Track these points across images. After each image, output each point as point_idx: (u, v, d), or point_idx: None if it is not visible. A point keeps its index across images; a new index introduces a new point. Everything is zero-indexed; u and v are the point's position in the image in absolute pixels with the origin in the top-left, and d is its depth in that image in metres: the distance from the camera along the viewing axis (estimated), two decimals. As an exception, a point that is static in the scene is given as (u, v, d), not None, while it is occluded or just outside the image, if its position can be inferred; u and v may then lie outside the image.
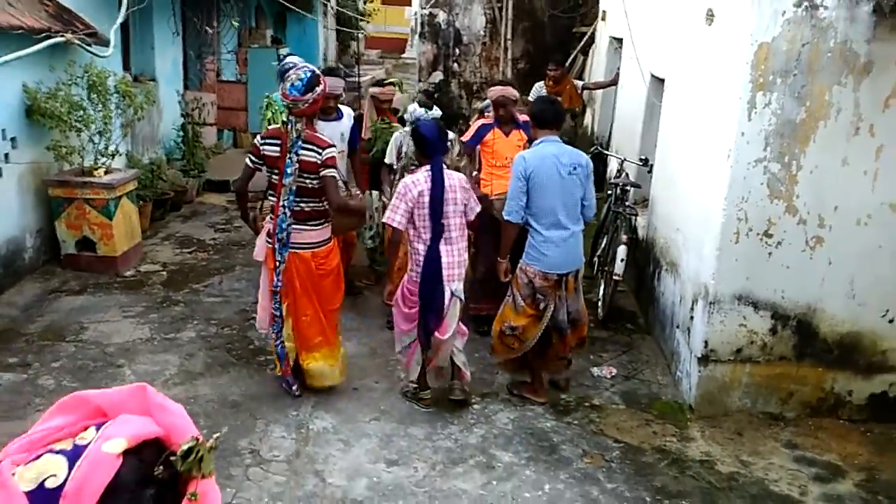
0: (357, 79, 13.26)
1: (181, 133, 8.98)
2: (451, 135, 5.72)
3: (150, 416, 1.12)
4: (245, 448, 4.24)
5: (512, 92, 5.64)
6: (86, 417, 1.10)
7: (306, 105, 4.22)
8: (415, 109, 5.88)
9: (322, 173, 4.30)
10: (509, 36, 13.27)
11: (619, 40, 8.96)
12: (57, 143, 6.31)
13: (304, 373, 4.78)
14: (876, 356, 4.74)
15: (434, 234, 4.39)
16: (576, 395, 5.09)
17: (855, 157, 4.37)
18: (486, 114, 6.10)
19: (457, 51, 13.51)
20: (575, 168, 4.51)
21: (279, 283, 4.48)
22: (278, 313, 4.59)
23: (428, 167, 4.43)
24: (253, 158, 4.46)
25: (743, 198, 4.46)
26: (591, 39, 12.02)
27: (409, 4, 28.64)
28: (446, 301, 4.46)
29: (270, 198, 4.47)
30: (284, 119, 4.30)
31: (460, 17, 13.44)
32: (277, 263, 4.42)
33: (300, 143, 4.25)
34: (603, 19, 10.47)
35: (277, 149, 4.32)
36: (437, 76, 13.43)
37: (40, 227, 6.53)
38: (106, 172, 6.55)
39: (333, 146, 4.46)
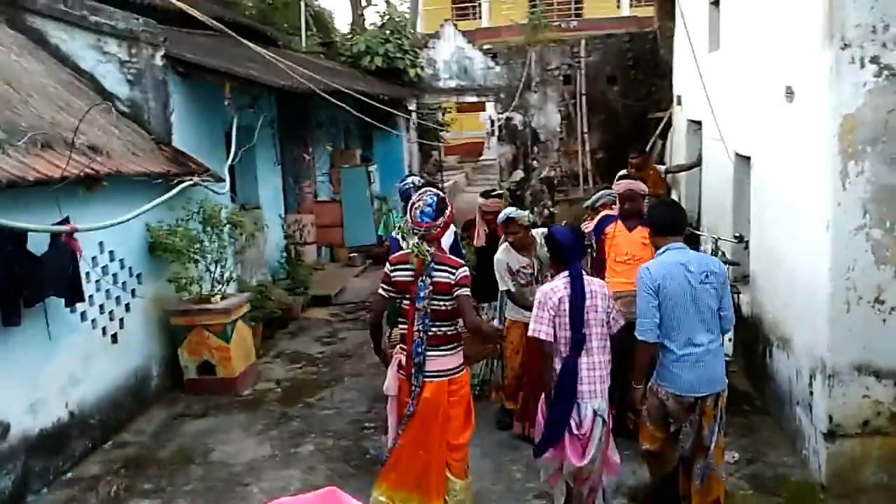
0: (441, 185, 13.80)
1: (284, 254, 9.51)
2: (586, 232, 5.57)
3: None
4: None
5: (640, 186, 5.60)
6: None
7: (438, 230, 4.22)
8: (510, 210, 5.57)
9: (456, 293, 4.14)
10: (585, 129, 13.63)
11: (698, 122, 9.08)
12: (177, 276, 6.81)
13: None
14: None
15: (573, 346, 4.10)
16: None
17: (959, 216, 4.27)
18: (612, 206, 6.00)
19: (535, 149, 13.94)
20: (707, 276, 4.05)
21: (412, 408, 4.21)
22: (398, 433, 4.35)
23: (566, 273, 4.19)
24: (385, 287, 4.32)
25: (849, 266, 4.40)
26: (668, 124, 12.17)
27: (484, 109, 29.71)
28: (586, 421, 4.10)
29: (401, 325, 4.36)
30: (415, 251, 4.17)
31: (536, 116, 13.93)
32: (413, 388, 4.19)
33: (433, 264, 4.16)
34: (679, 104, 10.63)
35: (410, 273, 4.20)
36: (518, 175, 13.84)
37: (164, 356, 6.97)
38: (222, 298, 6.99)
39: (465, 266, 4.32)
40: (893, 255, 4.36)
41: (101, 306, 6.12)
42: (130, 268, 6.53)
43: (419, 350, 4.18)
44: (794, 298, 5.12)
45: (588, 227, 6.01)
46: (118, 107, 6.92)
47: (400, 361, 4.33)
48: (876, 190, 4.31)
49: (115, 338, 6.28)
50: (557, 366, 4.14)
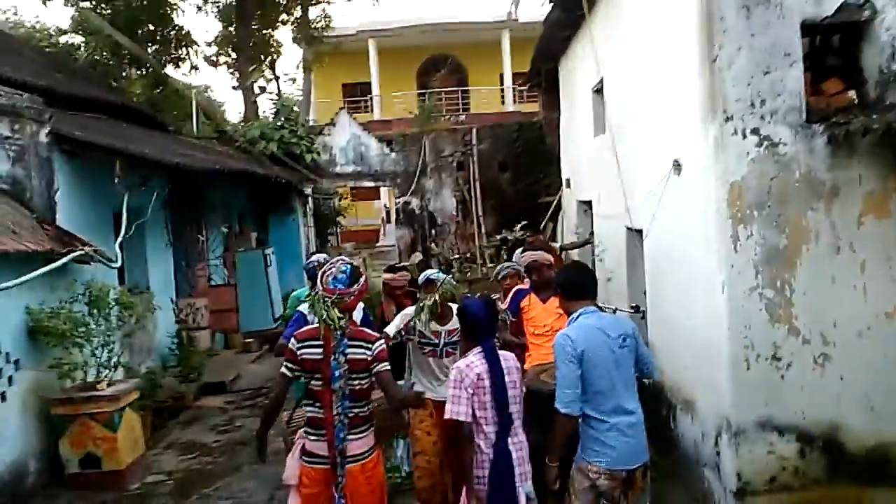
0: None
1: (175, 339, 9.05)
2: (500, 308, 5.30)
3: None
4: None
5: (545, 256, 5.54)
6: None
7: (352, 297, 3.86)
8: (430, 272, 5.48)
9: (375, 369, 3.81)
10: (480, 213, 13.99)
11: (588, 202, 9.49)
12: (60, 361, 6.33)
13: None
14: (908, 467, 4.70)
15: (501, 428, 3.84)
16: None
17: (842, 275, 4.61)
18: (517, 278, 5.96)
19: (433, 231, 14.15)
20: (625, 339, 3.88)
21: (343, 501, 3.78)
22: None
23: (479, 349, 3.96)
24: (290, 366, 3.86)
25: (746, 325, 4.62)
26: (558, 207, 12.68)
27: (379, 197, 30.07)
28: None
29: (307, 408, 3.92)
30: (325, 315, 3.77)
31: (432, 201, 14.19)
32: (339, 479, 3.77)
33: (346, 340, 3.80)
34: (568, 186, 11.12)
35: (320, 350, 3.79)
36: (417, 257, 13.94)
37: (42, 448, 6.38)
38: (108, 385, 6.53)
39: (381, 339, 3.98)
40: (786, 313, 4.62)
41: (-29, 395, 5.59)
42: (7, 353, 6.03)
43: (341, 436, 3.75)
44: (694, 361, 5.30)
45: (504, 303, 5.91)
46: (-1, 185, 6.54)
47: (302, 448, 3.89)
48: (765, 252, 4.59)
49: (-14, 431, 5.72)
50: (485, 450, 3.85)
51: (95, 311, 6.62)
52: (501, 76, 27.12)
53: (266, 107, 15.48)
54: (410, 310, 5.29)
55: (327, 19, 19.21)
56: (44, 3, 15.87)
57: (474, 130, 14.35)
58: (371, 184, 14.95)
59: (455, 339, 5.00)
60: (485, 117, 17.27)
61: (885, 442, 4.70)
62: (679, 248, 5.51)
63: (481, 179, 14.02)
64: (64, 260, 5.87)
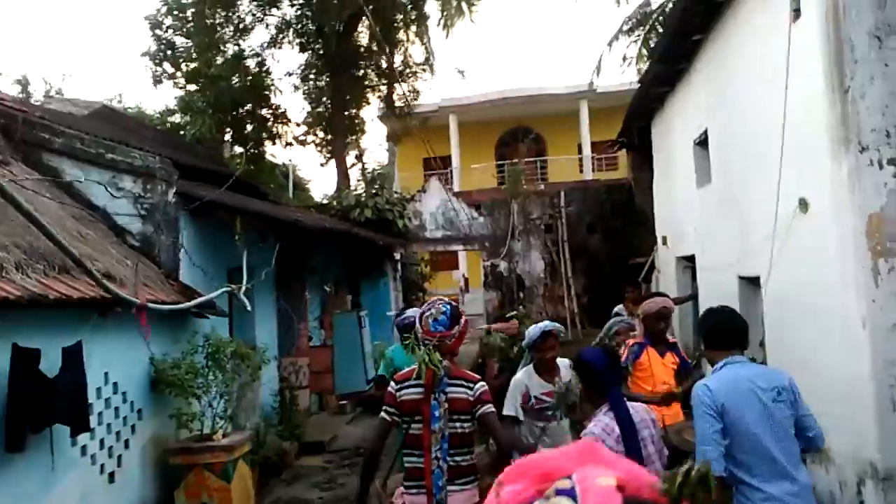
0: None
1: (278, 398, 9.18)
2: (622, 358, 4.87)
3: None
4: None
5: (672, 304, 5.25)
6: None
7: (453, 340, 3.73)
8: (548, 324, 5.01)
9: (479, 411, 3.64)
10: (569, 274, 13.91)
11: (689, 257, 9.32)
12: (179, 411, 6.50)
13: None
14: None
15: None
16: None
17: None
18: (627, 333, 5.73)
19: (521, 294, 14.10)
20: (779, 393, 3.44)
21: None
22: None
23: (607, 406, 3.53)
24: (389, 409, 3.73)
25: (891, 363, 4.38)
26: (651, 268, 12.49)
27: (457, 267, 30.29)
28: None
29: (406, 458, 3.77)
30: (427, 359, 3.65)
31: (520, 263, 14.20)
32: None
33: (446, 379, 3.66)
34: (665, 244, 10.96)
35: (419, 391, 3.67)
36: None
37: (158, 498, 6.49)
38: (223, 436, 6.65)
39: (483, 381, 3.83)
40: (933, 349, 4.37)
41: (102, 441, 5.77)
42: (132, 402, 6.24)
43: (440, 484, 3.56)
44: (830, 406, 5.01)
45: (623, 355, 5.41)
46: (128, 241, 6.90)
47: None
48: (908, 285, 4.39)
49: (111, 477, 5.87)
50: None
51: (213, 362, 6.80)
52: (579, 146, 27.36)
53: (356, 178, 16.00)
54: (518, 376, 4.96)
55: (414, 93, 19.86)
56: (154, 85, 17.02)
57: (562, 193, 14.44)
58: (460, 248, 15.11)
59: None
60: (564, 185, 17.36)
61: None
62: (807, 288, 5.32)
63: (570, 241, 13.99)
64: (223, 289, 6.07)
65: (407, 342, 5.16)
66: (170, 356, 6.61)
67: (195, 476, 6.41)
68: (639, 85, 10.76)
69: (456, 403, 3.63)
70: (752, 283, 6.95)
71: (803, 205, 5.25)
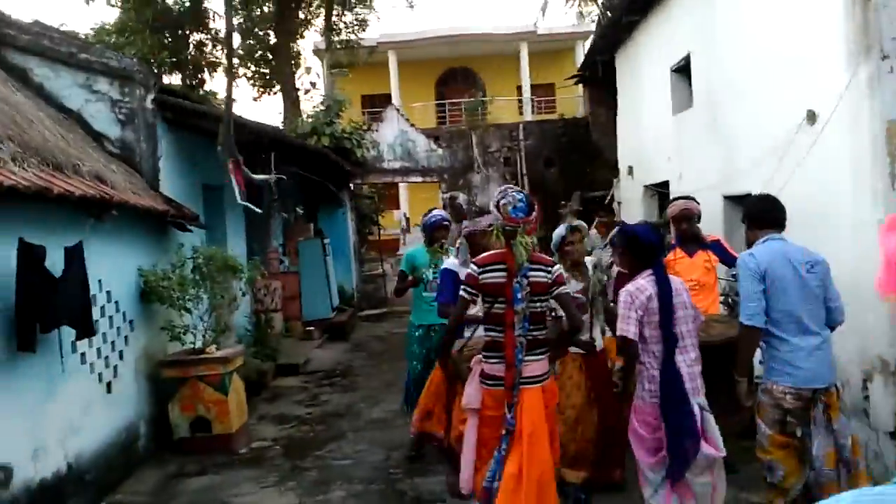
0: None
1: (253, 319, 9.00)
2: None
3: None
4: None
5: (695, 206, 5.46)
6: None
7: (531, 225, 3.94)
8: (558, 230, 5.09)
9: (556, 291, 3.96)
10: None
11: (662, 184, 9.51)
12: (171, 323, 6.30)
13: None
14: None
15: (667, 346, 3.80)
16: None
17: None
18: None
19: (479, 227, 14.14)
20: (813, 266, 3.88)
21: (513, 422, 3.85)
22: (501, 454, 3.89)
23: (649, 272, 3.92)
24: (469, 289, 3.93)
25: (903, 262, 4.61)
26: (611, 199, 12.72)
27: (398, 207, 30.12)
28: (698, 418, 3.77)
29: (489, 332, 4.03)
30: (519, 243, 3.84)
31: (479, 196, 14.21)
32: (514, 399, 3.85)
33: (527, 264, 3.87)
34: (630, 174, 11.15)
35: (503, 274, 3.87)
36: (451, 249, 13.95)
37: (151, 413, 6.33)
38: (217, 349, 6.49)
39: (559, 264, 4.18)
40: (940, 250, 4.62)
41: (99, 350, 5.54)
42: (124, 312, 6.00)
43: (520, 357, 3.86)
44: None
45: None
46: (107, 147, 6.53)
47: (482, 372, 4.01)
48: (920, 190, 4.61)
49: (109, 387, 5.68)
50: (654, 367, 3.82)
51: (201, 275, 6.59)
52: (518, 88, 27.37)
53: (313, 108, 15.44)
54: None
55: (360, 24, 19.31)
56: (87, 2, 15.97)
57: (521, 126, 14.43)
58: (419, 179, 14.96)
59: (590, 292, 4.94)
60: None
61: None
62: (812, 198, 5.49)
63: (528, 175, 14.06)
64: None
65: (435, 243, 6.11)
66: (158, 268, 6.37)
67: (190, 389, 6.26)
68: (605, 16, 10.79)
69: (537, 286, 3.90)
70: (738, 202, 7.16)
71: (811, 116, 5.41)
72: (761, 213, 4.13)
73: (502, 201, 3.96)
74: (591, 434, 4.77)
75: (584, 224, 5.25)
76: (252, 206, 6.95)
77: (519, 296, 3.84)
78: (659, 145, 9.57)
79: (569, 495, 4.59)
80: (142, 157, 6.63)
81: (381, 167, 14.25)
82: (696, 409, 3.78)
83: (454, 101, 26.72)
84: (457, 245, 5.67)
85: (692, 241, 5.42)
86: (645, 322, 3.84)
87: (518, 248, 3.85)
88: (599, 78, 12.28)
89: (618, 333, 3.97)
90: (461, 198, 14.04)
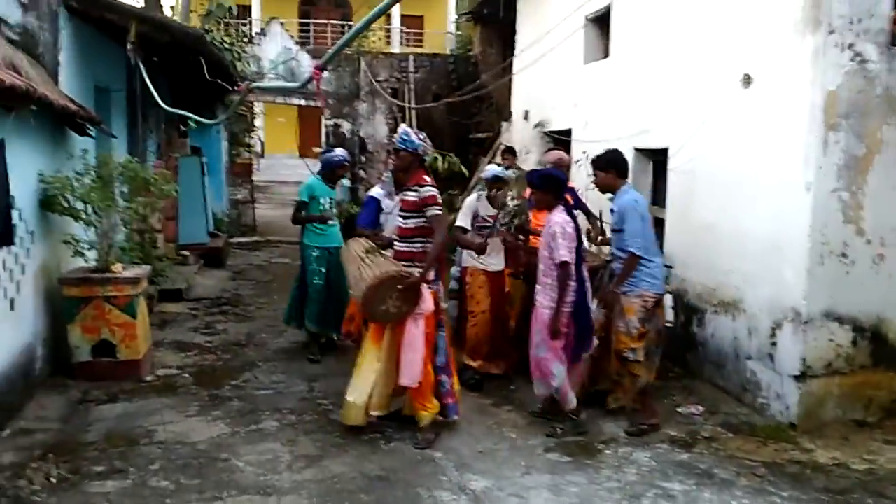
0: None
1: (138, 238, 8.34)
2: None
3: None
4: (440, 511, 4.00)
5: (567, 157, 6.51)
6: None
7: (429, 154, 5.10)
8: (498, 170, 6.27)
9: (428, 212, 4.84)
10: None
11: (563, 132, 9.74)
12: (74, 237, 5.73)
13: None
14: (932, 356, 5.44)
15: (578, 263, 4.97)
16: (683, 431, 5.28)
17: (903, 183, 5.19)
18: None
19: (363, 158, 13.86)
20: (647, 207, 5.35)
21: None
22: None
23: (562, 207, 5.08)
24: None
25: (824, 224, 5.08)
26: (496, 142, 12.86)
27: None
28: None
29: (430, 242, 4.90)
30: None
31: (364, 126, 13.87)
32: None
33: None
34: (526, 118, 11.29)
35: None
36: (345, 182, 13.61)
37: (48, 334, 5.77)
38: (123, 269, 6.00)
39: (430, 187, 4.94)
40: (856, 215, 5.13)
41: (4, 262, 4.95)
42: (26, 222, 5.37)
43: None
44: (750, 263, 5.71)
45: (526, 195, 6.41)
46: (6, 33, 5.70)
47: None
48: (847, 157, 5.06)
49: (12, 304, 5.10)
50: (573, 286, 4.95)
51: (105, 185, 6.00)
52: (388, 16, 26.72)
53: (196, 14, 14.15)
54: (471, 199, 6.25)
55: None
56: None
57: (411, 58, 14.16)
58: (302, 102, 14.29)
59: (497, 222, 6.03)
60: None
61: (919, 334, 5.40)
62: (737, 156, 5.86)
63: (416, 109, 13.89)
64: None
65: (337, 180, 6.93)
66: (60, 174, 5.73)
67: (94, 310, 5.76)
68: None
69: (405, 204, 4.94)
70: (647, 155, 7.51)
71: (746, 80, 5.73)
72: (624, 165, 5.31)
73: (421, 136, 4.99)
74: (487, 333, 6.12)
75: (511, 174, 6.38)
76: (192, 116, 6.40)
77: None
78: (563, 92, 9.75)
79: (466, 377, 5.91)
80: (44, 48, 5.86)
81: (261, 86, 13.50)
82: (594, 310, 5.24)
83: (320, 21, 25.78)
84: (383, 178, 6.77)
85: None
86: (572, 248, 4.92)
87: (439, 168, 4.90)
88: (498, 18, 12.24)
89: (560, 259, 4.91)
90: (345, 126, 13.66)
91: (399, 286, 4.59)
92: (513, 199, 6.49)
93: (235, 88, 9.97)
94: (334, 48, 5.69)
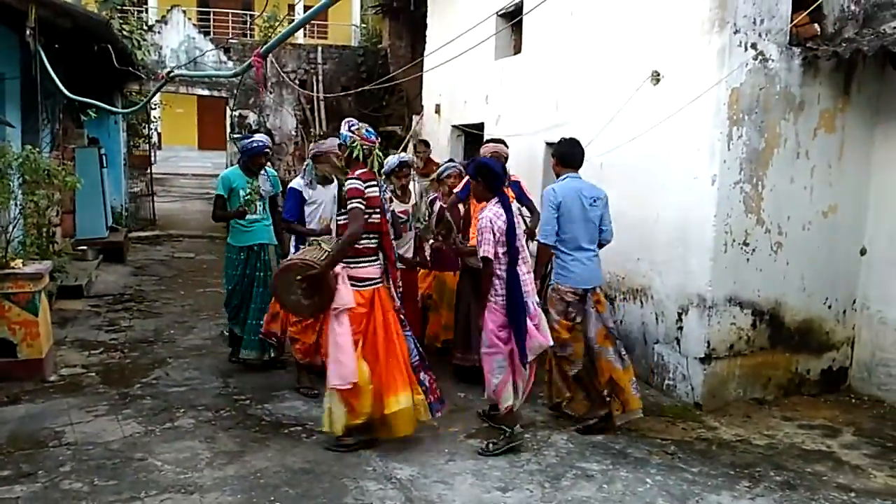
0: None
1: (32, 232, 7.88)
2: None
3: None
4: (365, 504, 4.00)
5: (505, 150, 6.18)
6: None
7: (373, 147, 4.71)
8: (404, 155, 6.39)
9: (348, 206, 4.59)
10: (322, 134, 13.69)
11: (475, 126, 9.84)
12: (-33, 231, 5.39)
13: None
14: (822, 337, 5.85)
15: (511, 259, 4.63)
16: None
17: (798, 176, 5.55)
18: (458, 177, 6.39)
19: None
20: (595, 200, 5.06)
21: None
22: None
23: (497, 200, 4.73)
24: (364, 205, 4.53)
25: (728, 215, 5.38)
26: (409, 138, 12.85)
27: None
28: (533, 311, 4.68)
29: (363, 240, 4.61)
30: (371, 159, 4.64)
31: (271, 118, 13.59)
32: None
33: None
34: (437, 112, 11.35)
35: (377, 189, 4.60)
36: (270, 170, 13.30)
37: (-62, 334, 5.40)
38: (23, 264, 5.68)
39: (354, 180, 4.73)
40: (757, 206, 5.45)
41: None
42: (-86, 213, 5.00)
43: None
44: (657, 252, 5.96)
45: (457, 188, 6.33)
46: None
47: (351, 275, 4.64)
48: (749, 151, 5.37)
49: None
50: (502, 276, 4.65)
51: (4, 178, 5.67)
52: (291, 6, 26.26)
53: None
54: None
55: None
56: None
57: (319, 49, 13.95)
58: (205, 93, 13.84)
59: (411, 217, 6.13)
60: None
61: (811, 317, 5.79)
62: (645, 150, 6.08)
63: (325, 100, 13.71)
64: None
65: (258, 169, 6.25)
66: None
67: (-9, 307, 5.43)
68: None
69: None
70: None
71: (655, 77, 5.97)
72: (569, 155, 5.18)
73: (354, 126, 4.67)
74: None
75: (415, 159, 6.56)
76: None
77: (387, 206, 4.75)
78: (474, 87, 9.86)
79: None
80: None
81: (187, 74, 13.00)
82: (532, 307, 4.71)
83: (220, 9, 25.01)
84: (304, 166, 6.09)
85: None
86: (500, 242, 4.64)
87: (374, 164, 4.61)
88: (408, 11, 12.25)
89: (481, 255, 4.68)
90: (251, 117, 13.34)
91: (298, 277, 4.49)
92: (424, 190, 6.49)
93: (153, 78, 9.59)
94: (279, 36, 5.55)
